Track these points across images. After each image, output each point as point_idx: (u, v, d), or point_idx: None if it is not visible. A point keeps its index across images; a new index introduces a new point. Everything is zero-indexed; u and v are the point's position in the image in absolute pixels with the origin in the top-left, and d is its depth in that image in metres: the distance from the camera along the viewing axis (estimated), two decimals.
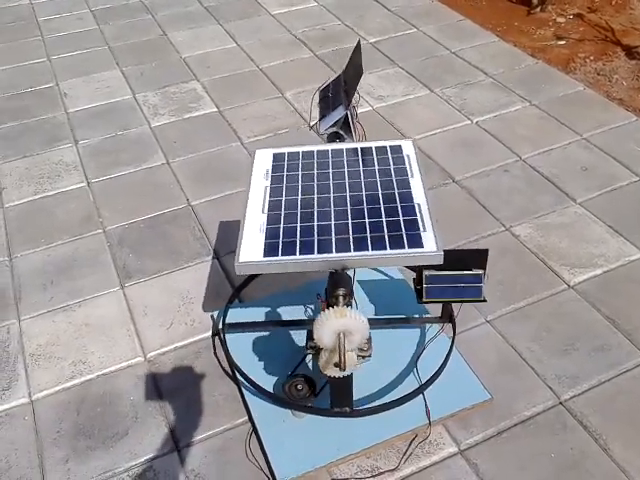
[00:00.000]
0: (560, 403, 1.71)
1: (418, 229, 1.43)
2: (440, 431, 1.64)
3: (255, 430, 1.65)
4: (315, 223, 1.49)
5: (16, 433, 1.70)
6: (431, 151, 2.64)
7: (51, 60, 3.50)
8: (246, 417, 1.70)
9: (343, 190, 1.57)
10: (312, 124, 1.79)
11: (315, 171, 1.65)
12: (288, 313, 1.93)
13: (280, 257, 1.40)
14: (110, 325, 1.98)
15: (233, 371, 1.78)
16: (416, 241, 1.40)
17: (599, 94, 3.00)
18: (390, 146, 1.72)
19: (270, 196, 1.59)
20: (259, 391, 1.69)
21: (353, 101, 1.73)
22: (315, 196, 1.57)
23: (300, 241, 1.44)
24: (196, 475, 1.58)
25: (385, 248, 1.39)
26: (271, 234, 1.47)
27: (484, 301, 1.61)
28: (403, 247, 1.39)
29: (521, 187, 2.45)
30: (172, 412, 1.73)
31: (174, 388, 1.79)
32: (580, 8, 3.91)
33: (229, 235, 2.28)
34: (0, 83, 3.30)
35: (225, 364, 1.83)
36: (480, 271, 1.58)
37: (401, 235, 1.42)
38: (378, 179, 1.60)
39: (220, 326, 1.89)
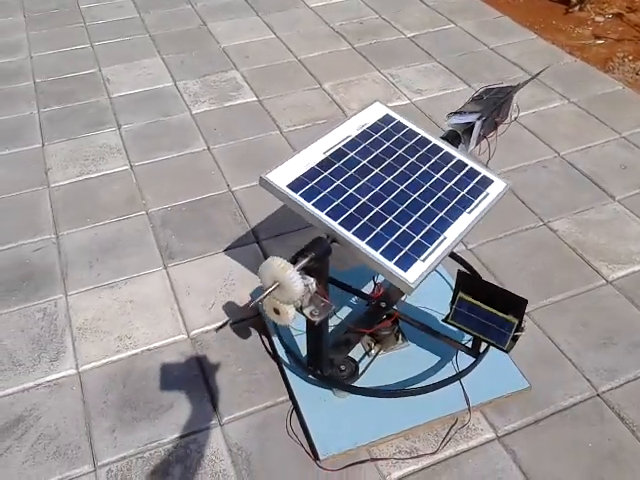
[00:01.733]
0: (597, 395, 1.72)
1: (419, 256, 1.38)
2: (478, 417, 1.67)
3: (296, 408, 1.69)
4: (351, 190, 1.47)
5: (64, 402, 1.76)
6: None
7: (94, 46, 3.56)
8: (287, 395, 1.74)
9: (403, 181, 1.53)
10: (449, 112, 1.72)
11: (400, 151, 1.60)
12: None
13: (295, 195, 1.41)
14: (154, 303, 2.03)
15: (275, 350, 1.82)
16: (405, 263, 1.35)
17: (638, 94, 2.99)
18: (483, 175, 1.59)
19: (344, 146, 1.55)
20: (303, 369, 1.71)
21: (494, 117, 1.66)
22: (376, 170, 1.54)
23: (323, 195, 1.44)
24: (239, 449, 1.63)
25: (377, 249, 1.37)
26: (310, 174, 1.47)
27: (505, 351, 1.50)
28: (390, 259, 1.35)
29: (559, 183, 2.46)
30: (215, 388, 1.77)
31: (216, 365, 1.83)
32: (619, 8, 3.89)
33: (270, 221, 2.32)
34: (45, 68, 3.38)
35: (267, 343, 1.87)
36: (515, 320, 1.46)
37: (400, 249, 1.38)
38: (440, 193, 1.52)
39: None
